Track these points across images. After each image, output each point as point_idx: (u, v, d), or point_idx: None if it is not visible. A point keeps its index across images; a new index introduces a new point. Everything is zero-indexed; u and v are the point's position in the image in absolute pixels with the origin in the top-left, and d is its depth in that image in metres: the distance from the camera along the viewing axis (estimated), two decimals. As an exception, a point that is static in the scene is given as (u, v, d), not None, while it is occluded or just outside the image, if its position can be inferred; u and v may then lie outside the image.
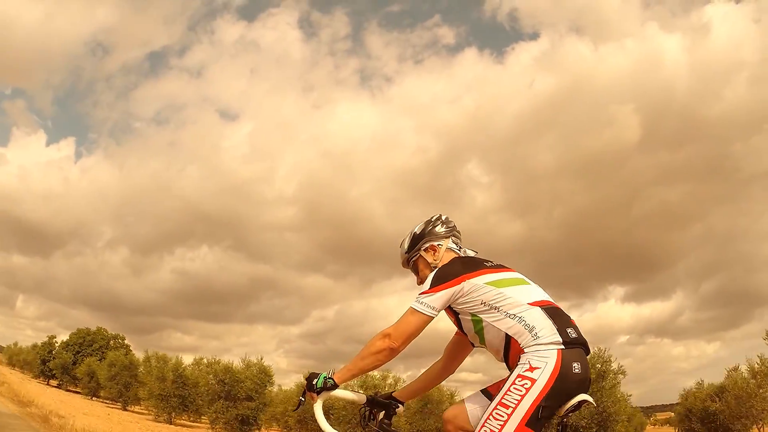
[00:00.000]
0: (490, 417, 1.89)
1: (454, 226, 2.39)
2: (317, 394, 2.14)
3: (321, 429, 2.18)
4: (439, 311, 2.08)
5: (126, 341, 41.75)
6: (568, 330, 1.96)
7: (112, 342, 40.95)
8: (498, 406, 1.89)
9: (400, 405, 2.35)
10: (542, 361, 1.87)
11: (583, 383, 1.92)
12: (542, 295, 2.09)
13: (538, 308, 2.00)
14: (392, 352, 2.05)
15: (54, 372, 38.44)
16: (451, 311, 2.15)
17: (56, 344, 41.91)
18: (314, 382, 2.13)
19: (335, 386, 2.13)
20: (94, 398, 31.70)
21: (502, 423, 1.85)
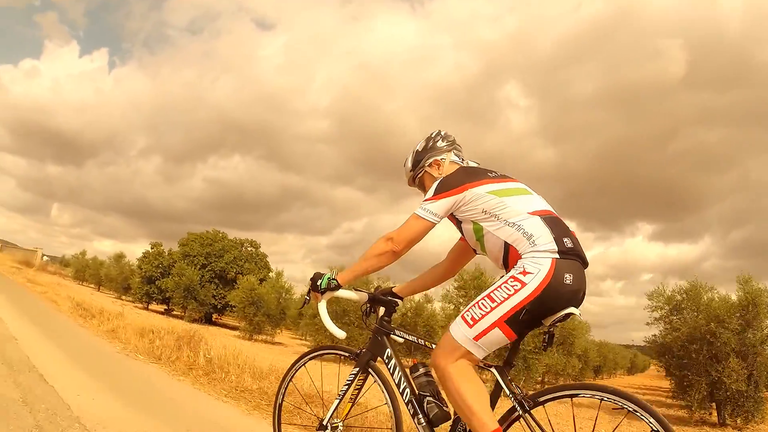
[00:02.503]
0: (475, 305, 1.97)
1: (454, 139, 2.41)
2: (321, 294, 2.26)
3: (325, 326, 2.31)
4: (441, 218, 2.12)
5: (261, 249, 30.76)
6: (565, 240, 1.98)
7: (244, 250, 29.99)
8: (485, 298, 1.96)
9: (399, 301, 2.44)
10: (536, 267, 1.91)
11: (574, 296, 1.94)
12: (543, 205, 2.12)
13: (538, 217, 2.03)
14: (394, 255, 2.13)
15: (170, 295, 27.83)
16: (454, 218, 2.20)
17: (165, 254, 30.47)
18: (318, 283, 2.25)
19: (339, 287, 2.25)
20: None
21: (483, 313, 1.93)
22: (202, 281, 27.69)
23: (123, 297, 32.28)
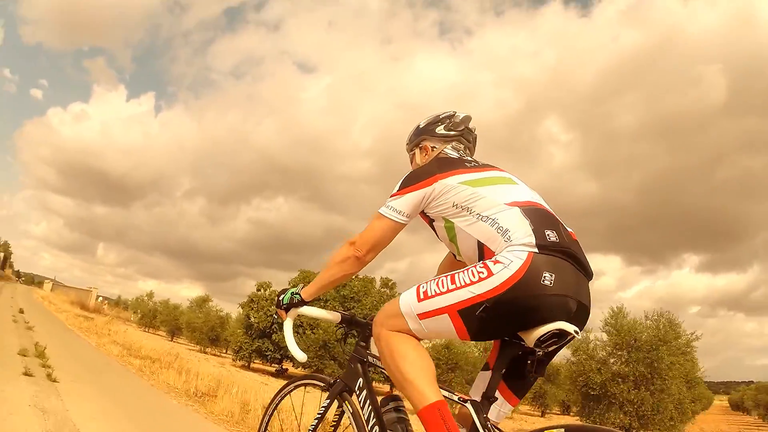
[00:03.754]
0: (435, 281, 1.66)
1: (465, 131, 2.05)
2: (285, 312, 2.03)
3: (288, 346, 2.08)
4: (409, 216, 1.81)
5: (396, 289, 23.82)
6: (547, 232, 1.59)
7: (383, 292, 23.04)
8: (447, 277, 1.65)
9: None
10: (508, 259, 1.55)
11: (559, 303, 1.53)
12: (527, 196, 1.76)
13: (517, 208, 1.67)
14: (357, 261, 1.82)
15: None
16: (426, 217, 1.89)
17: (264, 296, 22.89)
18: (281, 299, 2.02)
19: (302, 302, 2.00)
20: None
21: (438, 291, 1.63)
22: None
23: (208, 350, 26.24)
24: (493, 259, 1.59)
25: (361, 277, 22.59)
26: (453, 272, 1.64)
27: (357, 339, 2.11)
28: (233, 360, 22.87)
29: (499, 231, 1.64)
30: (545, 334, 1.52)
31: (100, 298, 55.35)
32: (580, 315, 1.60)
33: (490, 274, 1.55)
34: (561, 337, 1.55)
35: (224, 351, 27.26)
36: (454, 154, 1.99)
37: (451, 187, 1.77)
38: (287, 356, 20.77)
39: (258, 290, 22.52)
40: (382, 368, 1.88)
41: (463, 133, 2.06)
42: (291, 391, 2.33)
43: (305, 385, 2.28)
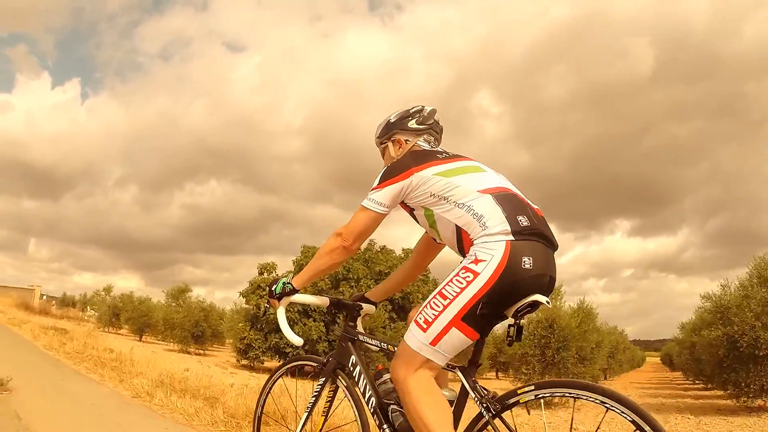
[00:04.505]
0: (428, 306, 1.80)
1: (434, 123, 2.22)
2: (278, 300, 2.14)
3: (283, 333, 2.18)
4: (389, 207, 1.99)
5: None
6: (519, 218, 1.77)
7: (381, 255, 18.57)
8: (437, 296, 1.78)
9: (364, 306, 2.33)
10: (488, 253, 1.72)
11: (537, 281, 1.74)
12: (497, 182, 1.93)
13: (489, 195, 1.84)
14: (345, 251, 2.00)
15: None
16: (407, 207, 2.07)
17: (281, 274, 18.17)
18: (273, 288, 2.15)
19: (294, 291, 2.13)
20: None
21: (436, 313, 1.76)
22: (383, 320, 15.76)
23: (191, 349, 21.79)
24: (472, 258, 1.74)
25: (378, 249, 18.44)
26: (438, 289, 1.79)
27: (346, 320, 2.28)
28: (237, 360, 18.32)
29: (474, 217, 1.80)
30: (522, 305, 1.73)
31: (45, 297, 48.76)
32: (550, 286, 1.80)
33: (476, 274, 1.71)
34: (534, 306, 1.75)
35: (209, 347, 22.59)
36: (426, 146, 2.17)
37: (427, 178, 1.93)
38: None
39: (261, 273, 17.92)
40: (373, 345, 2.14)
41: (433, 125, 2.21)
42: (283, 373, 2.46)
43: (298, 366, 2.42)
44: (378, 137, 2.30)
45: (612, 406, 1.53)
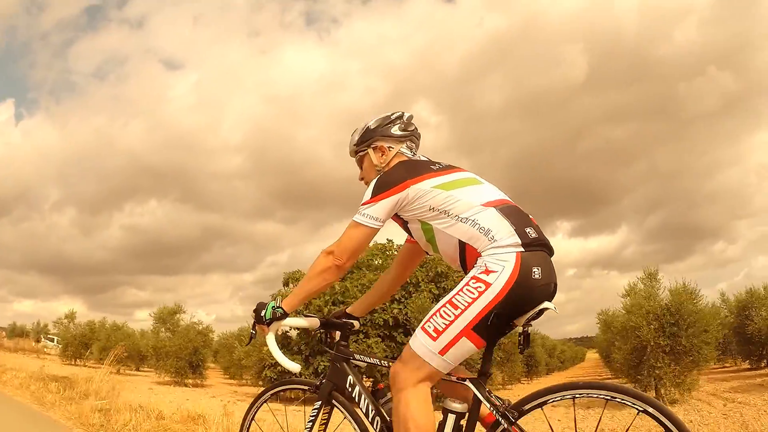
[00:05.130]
0: (437, 314, 1.75)
1: (414, 130, 2.16)
2: (267, 326, 2.02)
3: (277, 360, 2.07)
4: (383, 221, 1.92)
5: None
6: (527, 230, 1.78)
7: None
8: (447, 305, 1.75)
9: (354, 322, 2.25)
10: (499, 264, 1.71)
11: (546, 290, 1.75)
12: (497, 195, 1.92)
13: (493, 209, 1.82)
14: (338, 270, 1.92)
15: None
16: (399, 219, 2.00)
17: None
18: (262, 314, 2.01)
19: (285, 315, 2.01)
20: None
21: (447, 322, 1.72)
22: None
23: (189, 381, 18.47)
24: (482, 269, 1.72)
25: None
26: (448, 298, 1.75)
27: (338, 339, 2.18)
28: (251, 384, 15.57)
29: (481, 231, 1.77)
30: (533, 314, 1.73)
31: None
32: (554, 292, 1.80)
33: (488, 285, 1.68)
34: (540, 313, 1.75)
35: (204, 380, 19.32)
36: (409, 153, 2.10)
37: (425, 191, 1.86)
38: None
39: (286, 284, 14.84)
40: (371, 363, 2.07)
41: (413, 132, 2.14)
42: (269, 398, 2.30)
43: (286, 389, 2.28)
44: (355, 144, 2.18)
45: (620, 400, 1.57)
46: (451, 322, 1.70)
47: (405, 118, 2.14)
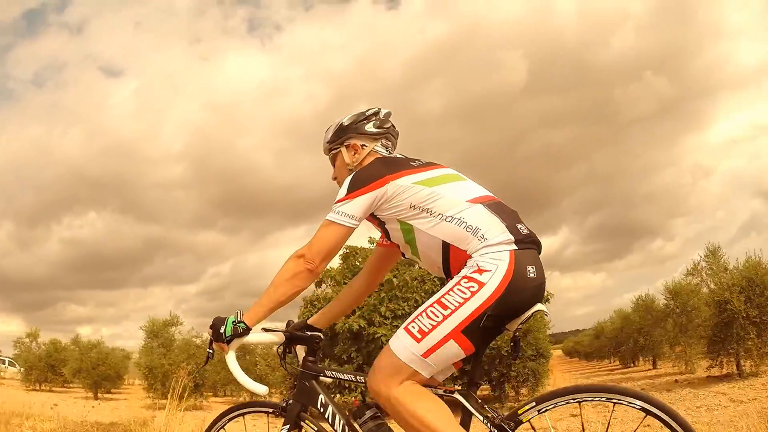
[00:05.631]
0: (423, 314, 1.62)
1: (391, 127, 2.02)
2: (227, 344, 1.80)
3: (240, 382, 1.86)
4: (359, 220, 1.76)
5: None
6: (519, 226, 1.68)
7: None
8: (435, 304, 1.62)
9: (319, 335, 2.02)
10: (493, 263, 1.59)
11: (538, 290, 1.66)
12: (482, 191, 1.80)
13: (480, 205, 1.70)
14: (310, 274, 1.74)
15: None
16: (375, 219, 1.84)
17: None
18: (222, 330, 1.79)
19: (248, 330, 1.79)
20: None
21: (434, 323, 1.59)
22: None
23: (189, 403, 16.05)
24: (474, 268, 1.59)
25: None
26: (436, 298, 1.62)
27: (305, 354, 1.97)
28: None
29: (468, 230, 1.64)
30: (526, 317, 1.63)
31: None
32: (544, 291, 1.72)
33: (481, 284, 1.56)
34: (532, 315, 1.65)
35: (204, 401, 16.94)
36: (384, 152, 1.97)
37: (405, 188, 1.74)
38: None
39: (319, 285, 12.66)
40: (345, 379, 1.89)
41: (390, 129, 2.01)
42: (226, 423, 2.10)
43: (247, 413, 2.06)
44: (328, 142, 2.05)
45: (627, 403, 1.51)
46: (439, 323, 1.58)
47: (381, 115, 2.00)
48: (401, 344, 1.63)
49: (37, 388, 22.98)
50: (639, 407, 1.50)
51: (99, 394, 20.79)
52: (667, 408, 1.49)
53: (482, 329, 1.58)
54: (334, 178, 2.07)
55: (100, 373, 20.31)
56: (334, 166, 2.06)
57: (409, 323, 1.64)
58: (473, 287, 1.57)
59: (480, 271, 1.58)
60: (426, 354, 1.60)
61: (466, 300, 1.57)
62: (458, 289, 1.59)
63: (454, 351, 1.60)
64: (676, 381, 10.88)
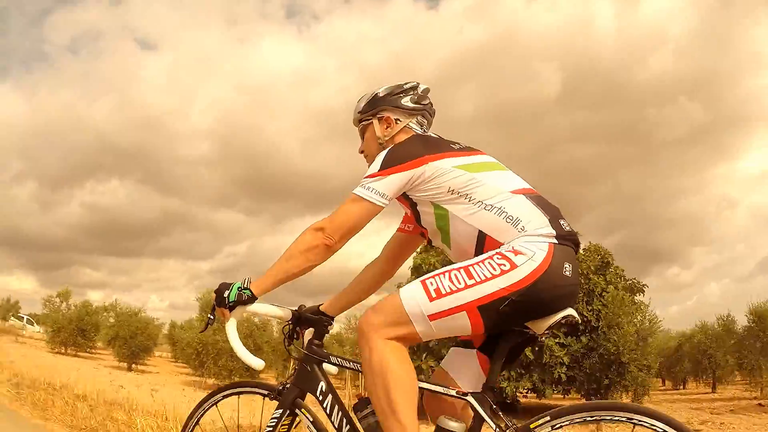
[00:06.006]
0: (445, 274, 1.51)
1: (428, 105, 1.91)
2: (230, 310, 1.71)
3: (236, 353, 1.77)
4: (389, 200, 1.66)
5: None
6: (561, 222, 1.59)
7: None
8: (461, 270, 1.51)
9: (331, 320, 1.93)
10: (530, 250, 1.49)
11: (572, 292, 1.56)
12: (524, 183, 1.70)
13: (522, 196, 1.61)
14: (327, 250, 1.65)
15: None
16: (407, 200, 1.72)
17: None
18: (225, 295, 1.71)
19: (253, 298, 1.71)
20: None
21: (454, 288, 1.48)
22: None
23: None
24: (509, 249, 1.51)
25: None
26: (464, 265, 1.53)
27: (311, 337, 1.85)
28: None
29: (508, 220, 1.56)
30: (557, 320, 1.53)
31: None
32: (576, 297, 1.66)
33: (514, 266, 1.47)
34: (561, 321, 1.54)
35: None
36: (419, 129, 1.88)
37: (444, 170, 1.64)
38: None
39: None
40: (354, 368, 1.73)
41: (427, 107, 1.90)
42: (219, 401, 1.99)
43: (241, 393, 1.95)
44: (360, 112, 1.92)
45: (648, 425, 1.39)
46: (459, 289, 1.48)
47: (419, 90, 1.89)
48: (412, 296, 1.52)
49: (63, 351, 22.53)
50: (661, 430, 1.38)
51: (134, 365, 20.57)
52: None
53: (499, 313, 1.47)
54: (362, 151, 1.95)
55: (138, 343, 19.98)
56: (362, 138, 1.94)
57: (428, 278, 1.53)
58: (505, 266, 1.47)
59: (516, 252, 1.49)
60: (433, 317, 1.49)
61: (494, 276, 1.47)
62: (489, 263, 1.49)
63: (463, 325, 1.49)
64: (761, 405, 10.83)
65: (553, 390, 9.60)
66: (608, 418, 1.45)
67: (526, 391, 9.86)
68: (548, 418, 1.48)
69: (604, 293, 10.00)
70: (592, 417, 1.47)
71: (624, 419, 1.43)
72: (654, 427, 1.40)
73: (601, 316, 9.55)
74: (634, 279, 11.46)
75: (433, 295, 1.49)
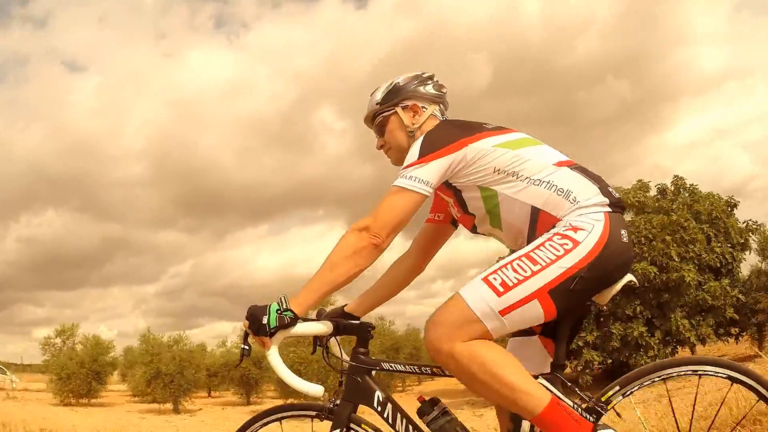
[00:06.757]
0: (507, 266, 1.46)
1: (446, 94, 1.89)
2: (270, 337, 1.52)
3: (287, 383, 1.61)
4: (434, 187, 1.59)
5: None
6: (610, 189, 1.58)
7: None
8: (523, 258, 1.46)
9: (372, 326, 1.81)
10: (588, 223, 1.47)
11: (630, 257, 1.57)
12: (564, 156, 1.66)
13: (566, 168, 1.59)
14: (375, 250, 1.54)
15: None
16: (450, 189, 1.67)
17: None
18: (265, 322, 1.50)
19: (296, 320, 1.54)
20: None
21: (520, 278, 1.43)
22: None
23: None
24: (567, 227, 1.48)
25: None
26: (524, 252, 1.48)
27: (355, 346, 1.73)
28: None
29: (560, 193, 1.53)
30: (619, 288, 1.53)
31: None
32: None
33: (576, 243, 1.45)
34: (622, 288, 1.55)
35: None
36: (441, 117, 1.84)
37: (486, 151, 1.59)
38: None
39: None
40: (410, 372, 1.68)
41: (445, 95, 1.89)
42: (257, 430, 1.76)
43: (283, 418, 1.76)
44: (379, 104, 1.83)
45: (712, 373, 1.46)
46: (526, 278, 1.43)
47: (435, 79, 1.87)
48: (477, 295, 1.46)
49: (75, 402, 19.32)
50: (726, 376, 1.46)
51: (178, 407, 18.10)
52: (753, 373, 1.44)
53: (570, 293, 1.44)
54: (381, 146, 1.89)
55: (189, 379, 16.73)
56: (381, 133, 1.86)
57: (489, 274, 1.47)
58: (567, 245, 1.44)
59: (575, 229, 1.46)
60: (504, 311, 1.43)
61: (559, 257, 1.43)
62: (550, 245, 1.46)
63: (536, 313, 1.45)
64: None
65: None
66: (675, 374, 1.49)
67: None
68: (618, 387, 1.52)
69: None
70: (659, 377, 1.50)
71: (689, 372, 1.47)
72: (718, 375, 1.45)
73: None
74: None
75: (500, 289, 1.44)
